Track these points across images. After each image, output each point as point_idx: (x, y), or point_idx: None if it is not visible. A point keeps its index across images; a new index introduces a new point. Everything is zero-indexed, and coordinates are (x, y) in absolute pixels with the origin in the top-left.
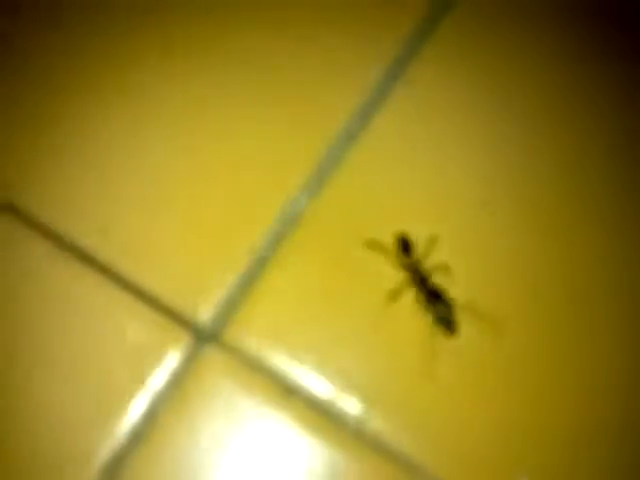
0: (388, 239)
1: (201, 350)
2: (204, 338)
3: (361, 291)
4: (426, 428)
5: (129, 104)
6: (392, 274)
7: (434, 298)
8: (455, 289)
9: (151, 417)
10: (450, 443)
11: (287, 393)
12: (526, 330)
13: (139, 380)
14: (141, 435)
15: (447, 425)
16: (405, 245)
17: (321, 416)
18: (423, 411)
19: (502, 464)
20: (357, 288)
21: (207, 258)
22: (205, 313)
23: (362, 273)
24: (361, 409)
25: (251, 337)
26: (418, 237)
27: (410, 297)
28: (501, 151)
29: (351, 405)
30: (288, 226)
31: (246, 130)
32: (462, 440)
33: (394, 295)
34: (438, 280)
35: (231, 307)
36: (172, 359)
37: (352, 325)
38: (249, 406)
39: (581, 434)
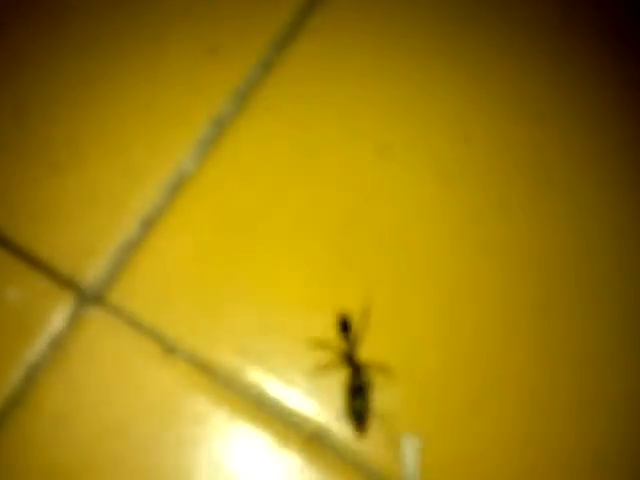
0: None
1: (85, 311)
2: (88, 299)
3: (245, 256)
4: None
5: None
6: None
7: (357, 392)
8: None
9: (32, 380)
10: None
11: (169, 352)
12: None
13: (20, 343)
14: (21, 399)
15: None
16: (345, 325)
17: (202, 374)
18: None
19: None
20: (242, 250)
21: (92, 221)
22: (89, 275)
23: (250, 236)
24: (238, 362)
25: (135, 298)
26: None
27: None
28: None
29: (229, 360)
30: (175, 188)
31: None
32: None
33: (323, 369)
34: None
35: (115, 269)
36: (55, 321)
37: (235, 286)
38: (133, 366)
39: None
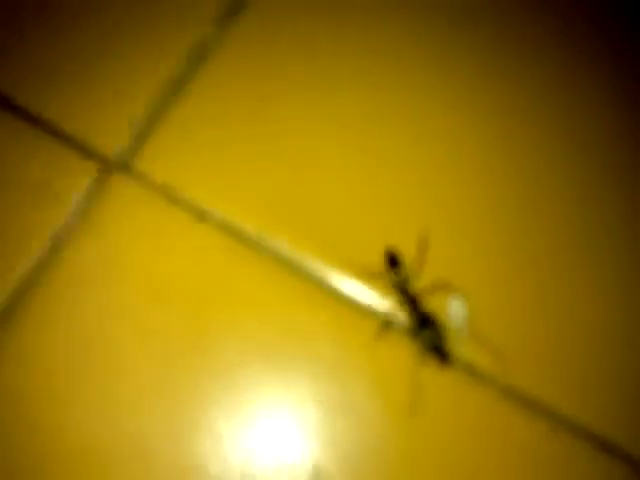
0: None
1: (111, 179)
2: (114, 167)
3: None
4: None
5: None
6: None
7: (423, 324)
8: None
9: (59, 249)
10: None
11: (199, 219)
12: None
13: (45, 215)
14: (47, 269)
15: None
16: (393, 261)
17: (231, 238)
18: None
19: None
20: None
21: (115, 86)
22: (115, 143)
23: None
24: (260, 228)
25: (162, 165)
26: None
27: None
28: None
29: (258, 225)
30: (200, 57)
31: None
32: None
33: (385, 327)
34: (435, 300)
35: (142, 137)
36: (81, 189)
37: (258, 150)
38: (163, 233)
39: None
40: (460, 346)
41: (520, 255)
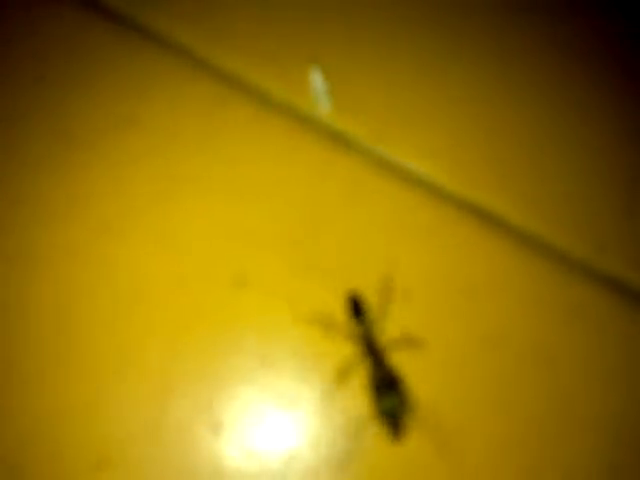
0: None
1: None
2: None
3: None
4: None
5: None
6: None
7: (387, 388)
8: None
9: None
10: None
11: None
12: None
13: None
14: None
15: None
16: (357, 308)
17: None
18: None
19: None
20: None
21: None
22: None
23: None
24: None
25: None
26: None
27: None
28: None
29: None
30: None
31: None
32: None
33: (342, 375)
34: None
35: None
36: None
37: None
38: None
39: None
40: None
41: None
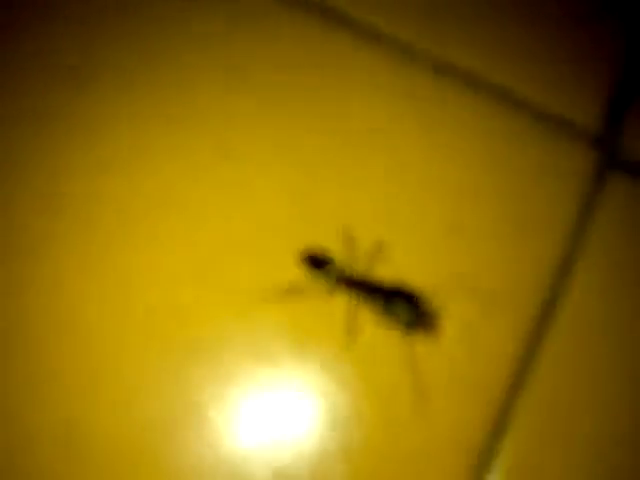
0: None
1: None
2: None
3: None
4: None
5: None
6: None
7: (392, 297)
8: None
9: None
10: None
11: None
12: None
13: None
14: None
15: None
16: (317, 262)
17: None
18: None
19: None
20: None
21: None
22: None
23: None
24: None
25: None
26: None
27: None
28: None
29: None
30: None
31: None
32: None
33: (351, 331)
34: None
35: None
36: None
37: None
38: None
39: None
40: None
41: None
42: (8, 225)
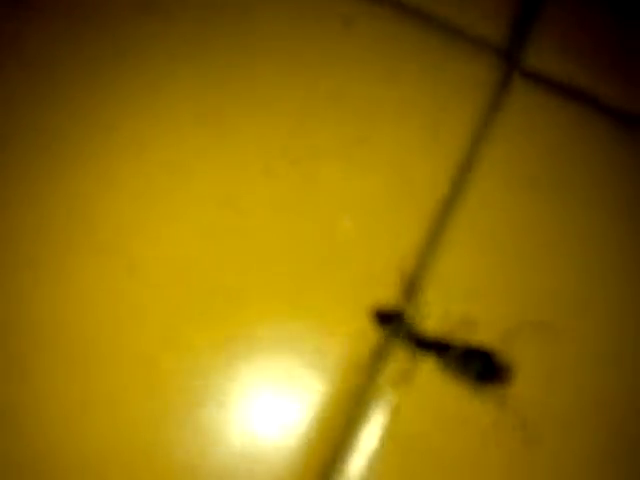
0: None
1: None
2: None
3: None
4: None
5: None
6: None
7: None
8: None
9: None
10: None
11: None
12: None
13: None
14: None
15: None
16: (384, 317)
17: None
18: None
19: None
20: None
21: None
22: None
23: None
24: None
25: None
26: None
27: None
28: None
29: None
30: None
31: None
32: None
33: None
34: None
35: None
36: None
37: None
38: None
39: None
40: None
41: None
42: None
